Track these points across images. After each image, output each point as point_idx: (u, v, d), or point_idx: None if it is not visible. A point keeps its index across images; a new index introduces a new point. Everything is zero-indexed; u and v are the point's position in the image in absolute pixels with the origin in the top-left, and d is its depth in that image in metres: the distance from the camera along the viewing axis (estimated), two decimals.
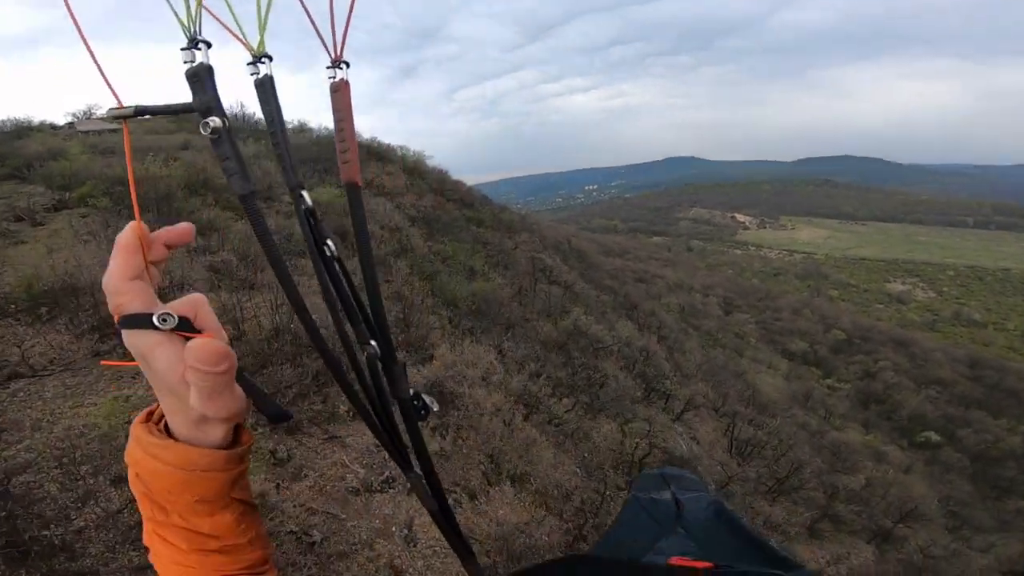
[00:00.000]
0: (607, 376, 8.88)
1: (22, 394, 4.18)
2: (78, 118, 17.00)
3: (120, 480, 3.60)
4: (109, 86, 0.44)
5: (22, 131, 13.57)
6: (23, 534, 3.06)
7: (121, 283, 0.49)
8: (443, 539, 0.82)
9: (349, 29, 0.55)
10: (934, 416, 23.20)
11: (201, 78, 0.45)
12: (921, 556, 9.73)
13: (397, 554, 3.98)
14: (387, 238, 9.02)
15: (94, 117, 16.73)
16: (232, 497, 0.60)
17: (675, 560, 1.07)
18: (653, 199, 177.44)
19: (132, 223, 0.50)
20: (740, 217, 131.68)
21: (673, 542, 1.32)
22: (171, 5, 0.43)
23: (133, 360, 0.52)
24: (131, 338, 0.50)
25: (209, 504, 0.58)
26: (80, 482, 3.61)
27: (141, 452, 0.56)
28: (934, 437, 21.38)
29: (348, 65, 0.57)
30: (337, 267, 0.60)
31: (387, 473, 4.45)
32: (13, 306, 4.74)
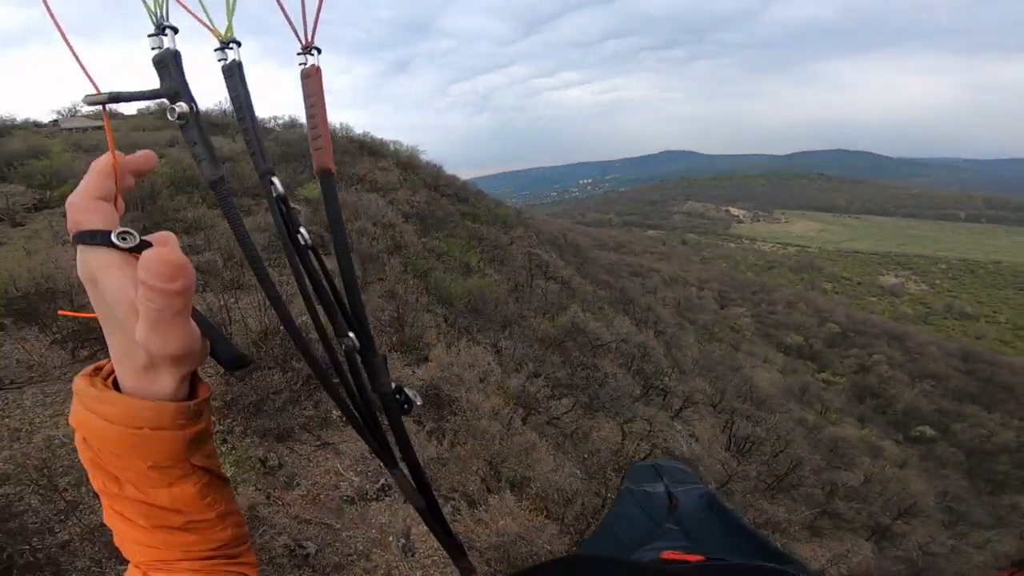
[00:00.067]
0: (606, 375, 8.76)
1: None
2: (63, 116, 16.68)
3: None
4: (85, 72, 0.44)
5: (4, 129, 13.23)
6: (5, 549, 2.91)
7: (87, 201, 0.47)
8: (442, 547, 0.78)
9: (320, 15, 0.54)
10: (928, 410, 23.32)
11: (167, 64, 0.44)
12: (920, 554, 9.74)
13: (395, 565, 3.86)
14: (380, 235, 8.82)
15: (79, 115, 16.41)
16: (193, 464, 0.54)
17: (667, 554, 1.06)
18: (648, 193, 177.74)
19: (107, 154, 0.49)
20: (734, 210, 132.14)
21: (666, 536, 1.32)
22: None
23: (92, 312, 0.48)
24: (84, 256, 0.46)
25: (165, 472, 0.52)
26: (63, 494, 3.46)
27: (82, 409, 0.50)
28: (929, 431, 21.49)
29: (319, 51, 0.56)
30: (312, 257, 0.57)
31: (382, 481, 4.29)
32: None
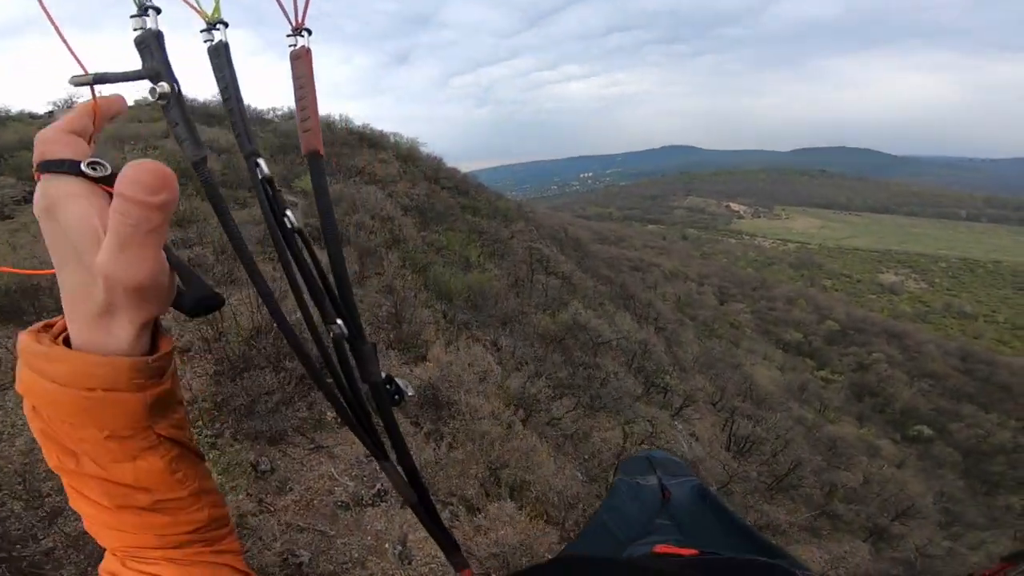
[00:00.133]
0: (607, 374, 8.65)
1: None
2: (58, 107, 16.51)
3: None
4: (72, 53, 0.45)
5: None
6: None
7: (59, 133, 0.45)
8: (441, 556, 0.81)
9: (320, 3, 0.56)
10: (926, 410, 23.32)
11: (149, 44, 0.44)
12: (918, 556, 9.72)
13: (391, 572, 3.77)
14: (378, 228, 8.65)
15: (76, 105, 16.21)
16: (159, 435, 0.48)
17: (660, 548, 1.06)
18: (648, 187, 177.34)
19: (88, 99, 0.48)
20: (735, 206, 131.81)
21: (659, 530, 1.32)
22: None
23: (32, 269, 0.47)
24: (47, 185, 0.42)
25: (126, 443, 0.46)
26: (46, 499, 3.36)
27: (28, 371, 0.44)
28: (926, 431, 21.49)
29: (310, 32, 0.55)
30: (299, 240, 0.55)
31: (378, 486, 4.17)
32: None
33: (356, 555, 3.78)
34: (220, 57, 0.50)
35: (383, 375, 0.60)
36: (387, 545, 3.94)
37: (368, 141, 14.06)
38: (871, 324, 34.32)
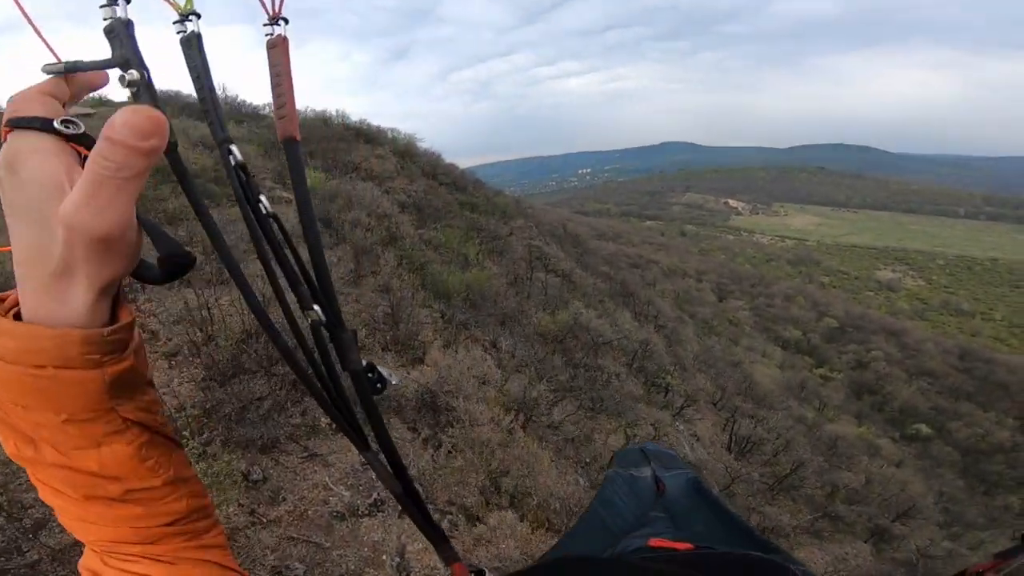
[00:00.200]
0: (609, 375, 8.53)
1: None
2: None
3: None
4: (44, 42, 0.45)
5: None
6: None
7: (34, 93, 0.43)
8: (441, 566, 0.51)
9: None
10: (925, 408, 23.31)
11: (118, 32, 0.44)
12: (919, 557, 9.67)
13: None
14: (375, 226, 8.47)
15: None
16: (125, 418, 0.45)
17: (655, 541, 1.06)
18: (647, 183, 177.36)
19: None
20: (733, 203, 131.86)
21: (654, 523, 1.31)
22: None
23: None
24: (14, 141, 0.40)
25: (86, 427, 0.43)
26: (29, 511, 3.24)
27: None
28: (925, 430, 21.48)
29: (287, 21, 0.56)
30: (275, 226, 0.55)
31: (375, 495, 4.03)
32: None
33: (353, 567, 3.66)
34: (192, 48, 0.50)
35: (364, 363, 0.59)
36: (385, 556, 3.81)
37: (365, 137, 13.84)
38: (870, 321, 34.33)
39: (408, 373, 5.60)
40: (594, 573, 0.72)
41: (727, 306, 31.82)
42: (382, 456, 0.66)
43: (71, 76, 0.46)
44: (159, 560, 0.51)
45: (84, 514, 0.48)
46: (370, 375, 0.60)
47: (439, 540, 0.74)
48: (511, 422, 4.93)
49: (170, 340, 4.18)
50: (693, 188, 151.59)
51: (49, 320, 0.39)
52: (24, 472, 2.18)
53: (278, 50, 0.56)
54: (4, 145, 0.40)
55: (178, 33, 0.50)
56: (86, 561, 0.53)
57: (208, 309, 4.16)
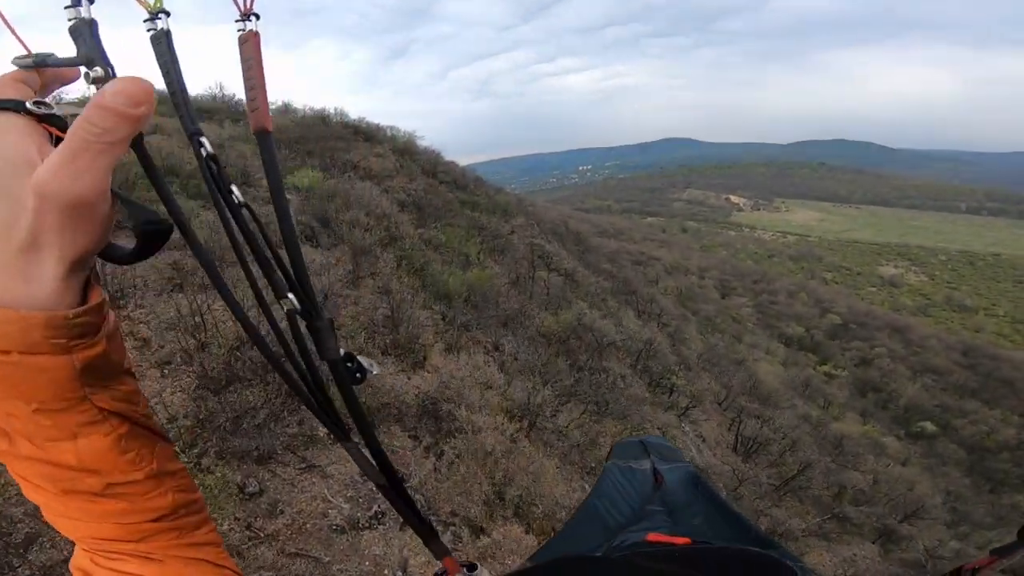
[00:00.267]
0: (614, 377, 8.39)
1: None
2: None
3: None
4: (15, 35, 0.46)
5: None
6: None
7: (8, 80, 0.44)
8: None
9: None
10: (930, 405, 23.15)
11: (82, 32, 0.46)
12: (928, 557, 9.55)
13: None
14: (374, 226, 8.31)
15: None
16: (101, 408, 0.44)
17: (653, 536, 1.05)
18: (648, 180, 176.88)
19: None
20: (735, 199, 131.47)
21: (652, 517, 1.30)
22: None
23: None
24: None
25: (58, 417, 0.41)
26: (19, 525, 3.14)
27: None
28: (930, 427, 21.33)
29: (258, 17, 0.57)
30: (247, 214, 0.56)
31: (376, 507, 3.89)
32: None
33: None
34: (161, 44, 0.52)
35: (342, 352, 0.58)
36: (387, 571, 3.68)
37: (364, 135, 13.67)
38: (873, 318, 34.14)
39: (409, 379, 5.45)
40: (593, 573, 0.71)
41: (730, 303, 31.62)
42: (365, 449, 0.65)
43: (41, 69, 0.47)
44: (148, 558, 0.49)
45: (65, 510, 0.46)
46: (349, 364, 0.59)
47: (427, 534, 0.74)
48: (515, 430, 4.78)
49: (162, 347, 4.03)
50: (694, 184, 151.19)
51: (14, 302, 0.37)
52: (14, 486, 2.01)
53: (249, 45, 0.57)
54: None
55: (148, 31, 0.51)
56: (76, 560, 0.52)
57: (201, 315, 4.01)
